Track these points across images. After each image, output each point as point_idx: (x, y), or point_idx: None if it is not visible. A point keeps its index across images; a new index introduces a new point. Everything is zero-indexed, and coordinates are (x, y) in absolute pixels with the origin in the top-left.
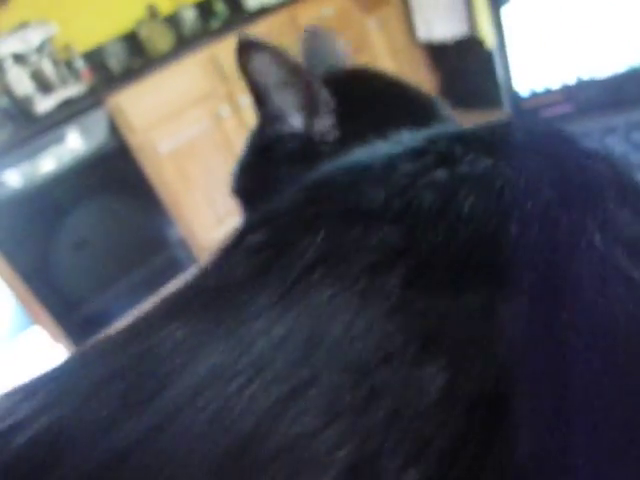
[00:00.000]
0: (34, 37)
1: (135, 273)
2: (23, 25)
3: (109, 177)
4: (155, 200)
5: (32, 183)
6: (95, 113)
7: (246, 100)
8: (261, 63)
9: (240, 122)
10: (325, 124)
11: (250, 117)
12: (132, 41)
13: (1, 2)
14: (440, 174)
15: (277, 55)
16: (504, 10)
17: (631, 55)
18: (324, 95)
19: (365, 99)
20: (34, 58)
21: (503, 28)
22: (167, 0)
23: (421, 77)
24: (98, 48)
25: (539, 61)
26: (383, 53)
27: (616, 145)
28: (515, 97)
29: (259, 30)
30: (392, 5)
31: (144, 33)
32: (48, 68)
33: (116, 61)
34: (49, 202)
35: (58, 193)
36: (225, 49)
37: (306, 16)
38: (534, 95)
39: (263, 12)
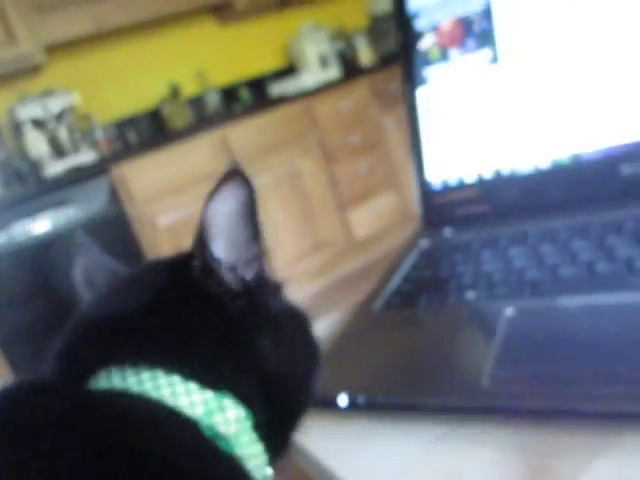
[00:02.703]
0: (55, 105)
1: None
2: (48, 92)
3: (103, 244)
4: None
5: (29, 240)
6: (98, 181)
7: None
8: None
9: None
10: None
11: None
12: (154, 118)
13: (34, 70)
14: None
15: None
16: (420, 92)
17: (556, 148)
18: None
19: None
20: (52, 124)
21: (417, 111)
22: (193, 82)
23: None
24: (122, 121)
25: (455, 150)
26: (397, 149)
27: (518, 258)
28: (426, 188)
29: (275, 117)
30: None
31: (166, 111)
32: (64, 135)
33: (135, 134)
34: (40, 260)
35: (51, 253)
36: (237, 132)
37: (322, 108)
38: (446, 189)
39: (282, 101)
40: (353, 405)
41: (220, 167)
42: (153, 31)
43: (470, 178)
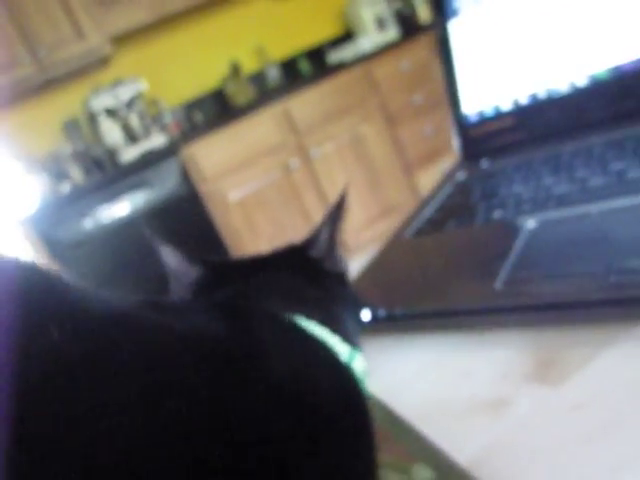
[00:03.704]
0: (125, 93)
1: None
2: (117, 82)
3: (178, 222)
4: (221, 248)
5: (113, 223)
6: (170, 163)
7: (317, 153)
8: None
9: (309, 175)
10: None
11: (319, 170)
12: (218, 97)
13: (103, 62)
14: None
15: None
16: (451, 24)
17: (593, 63)
18: None
19: None
20: (123, 112)
21: (449, 44)
22: (252, 58)
23: None
24: (188, 102)
25: (490, 79)
26: None
27: (548, 176)
28: (462, 122)
29: (335, 84)
30: None
31: (229, 89)
32: (135, 121)
33: (201, 115)
34: (126, 241)
35: (128, 235)
36: (299, 103)
37: (382, 71)
38: (483, 120)
39: (340, 67)
40: (375, 319)
41: (284, 139)
42: (210, 12)
43: (506, 106)
